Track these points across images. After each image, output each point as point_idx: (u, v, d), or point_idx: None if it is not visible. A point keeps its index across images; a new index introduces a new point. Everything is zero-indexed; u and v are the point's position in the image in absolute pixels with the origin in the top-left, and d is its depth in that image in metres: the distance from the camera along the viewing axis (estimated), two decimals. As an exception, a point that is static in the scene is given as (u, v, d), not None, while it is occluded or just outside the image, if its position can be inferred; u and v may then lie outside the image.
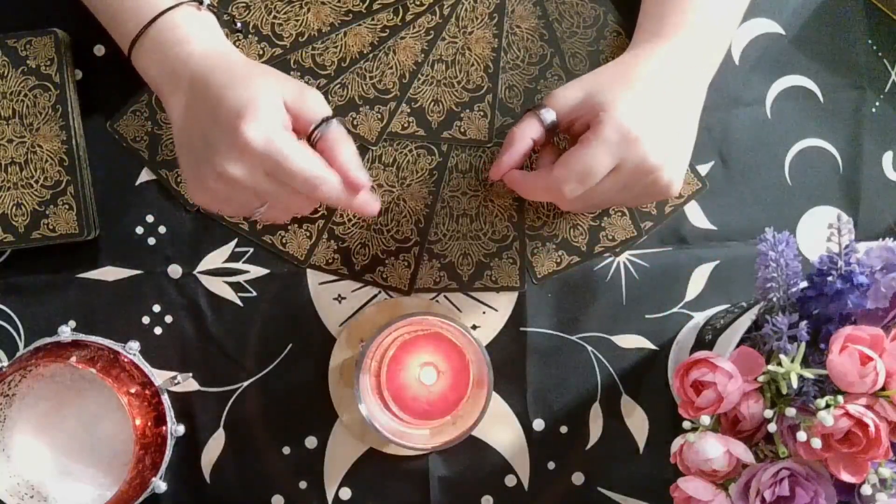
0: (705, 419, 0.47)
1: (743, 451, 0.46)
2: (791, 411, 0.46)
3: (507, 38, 0.62)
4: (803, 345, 0.47)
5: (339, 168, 0.49)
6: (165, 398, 0.59)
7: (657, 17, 0.56)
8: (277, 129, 0.47)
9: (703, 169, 0.63)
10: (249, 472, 0.62)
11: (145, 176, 0.62)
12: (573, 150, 0.51)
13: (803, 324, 0.46)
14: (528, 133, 0.54)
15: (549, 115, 0.54)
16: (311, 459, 0.62)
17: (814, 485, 0.45)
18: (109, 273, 0.62)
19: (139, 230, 0.62)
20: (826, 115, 0.64)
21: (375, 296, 0.63)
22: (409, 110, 0.62)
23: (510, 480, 0.63)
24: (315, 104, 0.50)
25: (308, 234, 0.62)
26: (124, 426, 0.57)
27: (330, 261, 0.62)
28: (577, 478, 0.63)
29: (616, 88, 0.52)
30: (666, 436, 0.63)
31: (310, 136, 0.50)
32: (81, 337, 0.59)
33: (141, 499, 0.58)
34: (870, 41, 0.64)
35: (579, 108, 0.53)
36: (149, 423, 0.57)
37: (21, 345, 0.61)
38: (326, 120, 0.50)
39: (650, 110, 0.52)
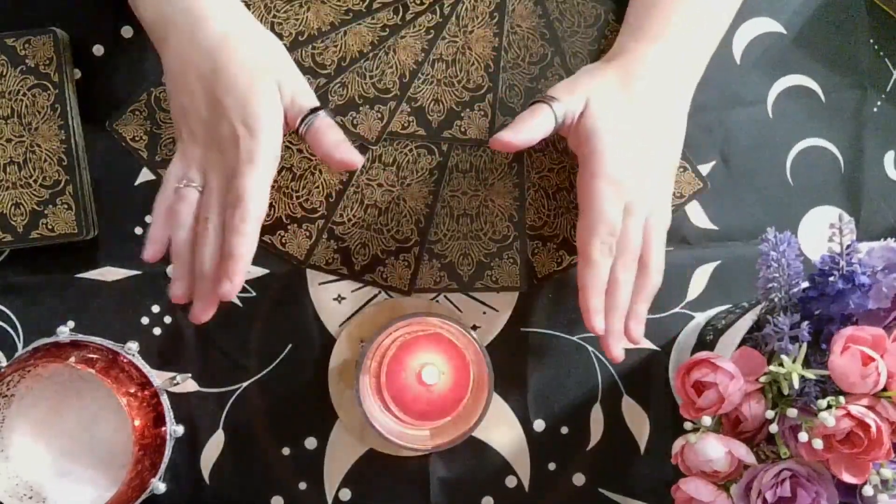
0: (706, 420, 0.47)
1: (744, 452, 0.46)
2: (793, 412, 0.46)
3: (508, 38, 0.62)
4: (805, 345, 0.47)
5: (327, 150, 0.53)
6: (165, 399, 0.59)
7: (645, 16, 0.57)
8: (269, 176, 0.52)
9: (705, 169, 0.63)
10: (249, 472, 0.62)
11: (145, 176, 0.62)
12: (583, 217, 0.54)
13: (805, 324, 0.46)
14: (543, 127, 0.55)
15: (560, 111, 0.55)
16: (310, 460, 0.62)
17: (815, 486, 0.45)
18: (108, 273, 0.61)
19: (138, 230, 0.61)
20: (828, 114, 0.64)
21: (375, 296, 0.62)
22: (409, 110, 0.62)
23: (511, 481, 0.63)
24: (304, 99, 0.53)
25: (308, 234, 0.62)
26: (123, 427, 0.57)
27: (330, 261, 0.62)
28: (578, 478, 0.63)
29: (609, 115, 0.54)
30: (667, 436, 0.62)
31: (297, 127, 0.53)
32: (80, 337, 0.59)
33: (140, 500, 0.58)
34: (871, 40, 0.64)
35: (578, 122, 0.55)
36: (148, 424, 0.57)
37: (20, 345, 0.61)
38: (314, 111, 0.53)
39: (636, 153, 0.54)
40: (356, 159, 0.53)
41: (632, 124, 0.54)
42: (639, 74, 0.55)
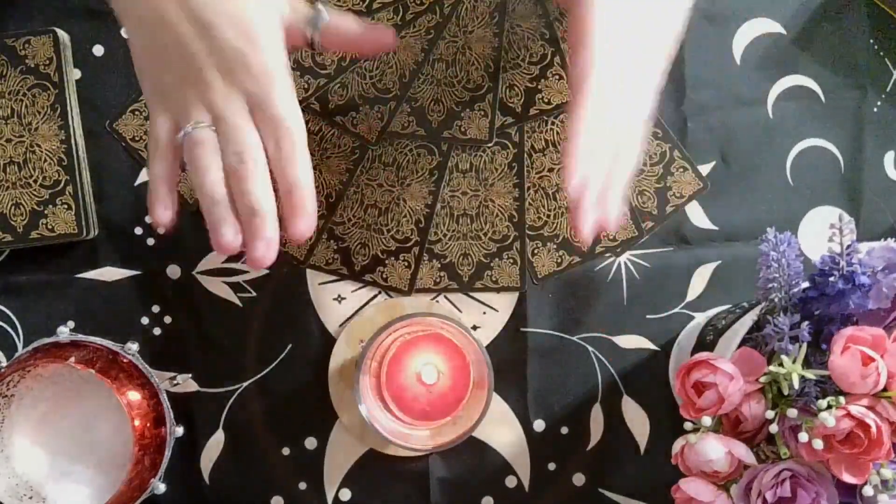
0: (706, 420, 0.47)
1: (744, 452, 0.46)
2: (793, 412, 0.46)
3: (508, 38, 0.62)
4: (805, 345, 0.46)
5: (353, 37, 0.49)
6: (164, 399, 0.59)
7: None
8: (292, 88, 0.46)
9: (705, 169, 0.63)
10: (249, 473, 0.62)
11: (145, 176, 0.62)
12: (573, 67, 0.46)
13: (805, 324, 0.46)
14: None
15: None
16: (310, 460, 0.62)
17: (815, 486, 0.45)
18: (108, 273, 0.61)
19: (138, 230, 0.62)
20: (828, 114, 0.64)
21: (375, 296, 0.62)
22: (409, 110, 0.62)
23: (510, 481, 0.63)
24: (300, 4, 0.48)
25: (308, 234, 0.62)
26: (123, 427, 0.57)
27: (330, 261, 0.62)
28: (578, 479, 0.63)
29: None
30: (667, 437, 0.62)
31: (306, 31, 0.48)
32: (80, 337, 0.59)
33: (140, 500, 0.58)
34: (871, 40, 0.64)
35: None
36: (148, 424, 0.57)
37: (20, 345, 0.61)
38: (315, 13, 0.48)
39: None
40: (388, 35, 0.49)
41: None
42: None
